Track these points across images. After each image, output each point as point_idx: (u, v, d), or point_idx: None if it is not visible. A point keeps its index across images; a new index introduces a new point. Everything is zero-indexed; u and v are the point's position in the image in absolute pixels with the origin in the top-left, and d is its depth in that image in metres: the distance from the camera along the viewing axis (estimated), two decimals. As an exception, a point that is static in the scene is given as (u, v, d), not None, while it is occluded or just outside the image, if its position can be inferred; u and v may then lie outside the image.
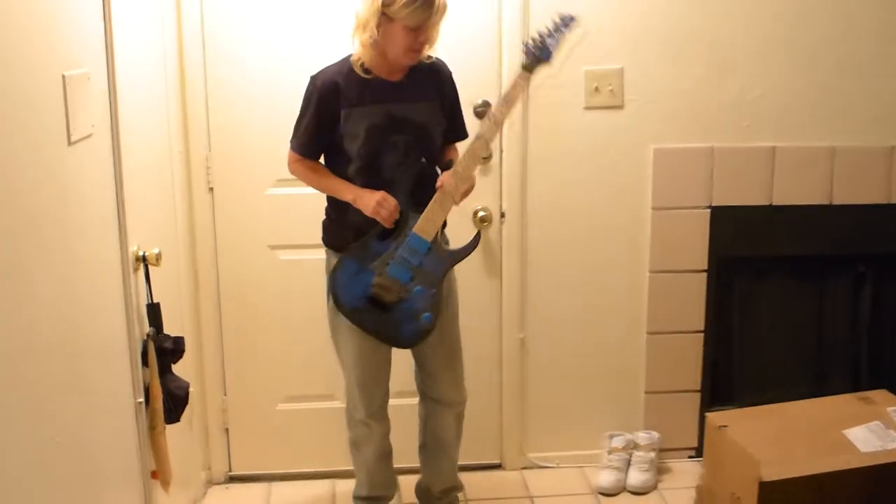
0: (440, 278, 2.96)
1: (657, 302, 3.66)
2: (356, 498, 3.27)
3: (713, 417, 3.13)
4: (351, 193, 2.92)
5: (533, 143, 3.51)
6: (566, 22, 2.87)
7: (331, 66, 2.92)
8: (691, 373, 3.72)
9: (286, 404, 3.67)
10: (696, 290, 3.65)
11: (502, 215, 3.56)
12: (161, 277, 3.17)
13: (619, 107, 3.50)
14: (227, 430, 3.68)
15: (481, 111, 3.45)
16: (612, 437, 3.68)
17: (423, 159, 2.98)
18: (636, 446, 3.64)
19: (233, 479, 3.70)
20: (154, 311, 2.78)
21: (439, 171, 2.97)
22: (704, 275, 3.64)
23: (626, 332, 3.70)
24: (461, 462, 3.57)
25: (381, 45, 2.79)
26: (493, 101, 3.45)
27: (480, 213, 3.52)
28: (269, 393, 3.66)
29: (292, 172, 3.02)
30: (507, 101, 2.90)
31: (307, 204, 3.32)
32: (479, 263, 3.60)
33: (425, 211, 2.92)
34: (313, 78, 2.92)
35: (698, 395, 3.73)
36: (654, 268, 3.63)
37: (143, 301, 2.76)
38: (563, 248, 3.61)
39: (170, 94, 3.27)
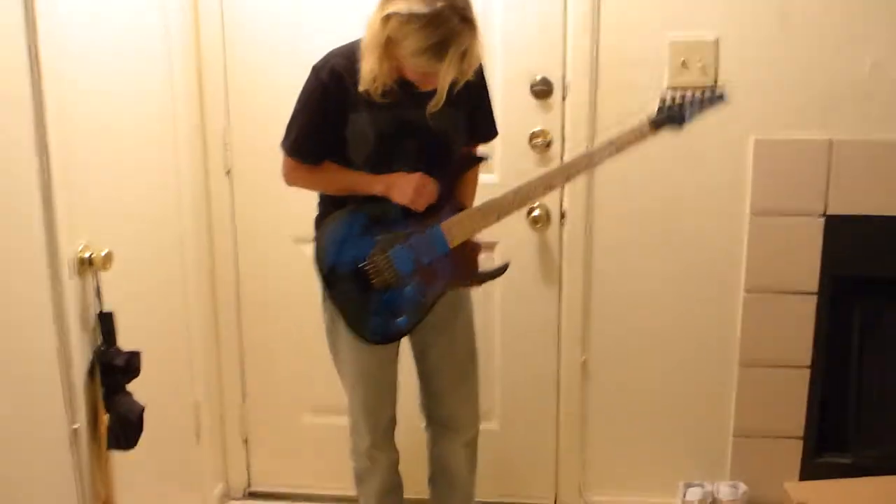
0: (440, 292, 2.46)
1: (753, 327, 2.99)
2: None
3: (793, 489, 2.48)
4: (380, 184, 2.40)
5: (602, 129, 2.88)
6: (714, 98, 2.36)
7: (337, 53, 2.36)
8: (793, 415, 3.03)
9: (312, 416, 3.25)
10: (803, 315, 2.95)
11: (562, 215, 2.98)
12: (164, 272, 2.83)
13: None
14: (246, 440, 3.30)
15: (539, 90, 2.89)
16: (687, 487, 3.05)
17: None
18: (715, 501, 3.01)
19: (252, 496, 3.33)
20: (106, 321, 2.39)
21: None
22: (815, 297, 2.93)
23: (714, 362, 3.05)
24: (506, 499, 3.12)
25: (386, 73, 2.25)
26: (554, 76, 2.89)
27: (535, 212, 2.97)
28: (294, 403, 3.25)
29: (291, 182, 2.51)
30: (616, 146, 2.36)
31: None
32: (533, 270, 3.04)
33: (464, 212, 2.42)
34: (317, 69, 2.37)
35: (801, 442, 3.05)
36: (751, 286, 2.96)
37: (94, 310, 2.38)
38: (637, 255, 2.99)
39: (175, 54, 2.84)
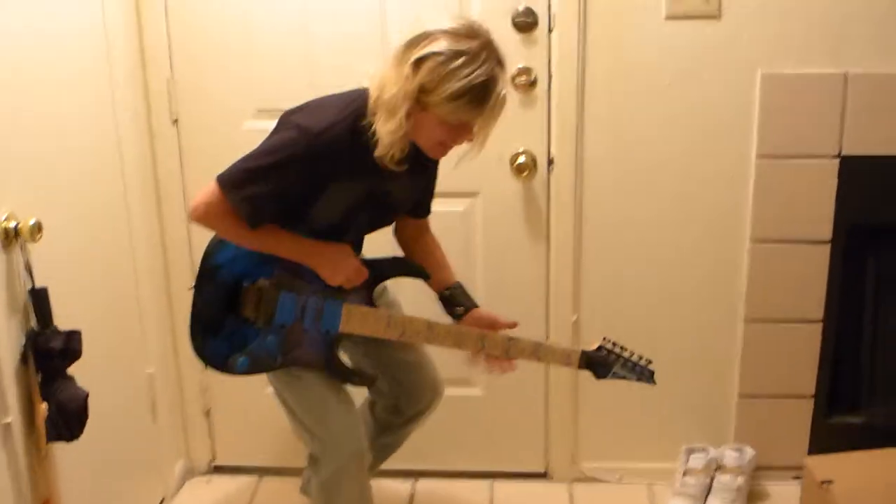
0: (293, 360, 2.22)
1: (761, 280, 2.73)
2: None
3: (815, 465, 2.26)
4: (313, 257, 2.16)
5: (594, 65, 2.60)
6: (644, 375, 2.33)
7: (337, 116, 2.03)
8: (804, 373, 2.80)
9: (278, 387, 2.98)
10: (815, 266, 2.70)
11: (550, 162, 2.69)
12: (106, 238, 2.54)
13: (715, 16, 2.54)
14: (207, 412, 3.03)
15: (522, 23, 2.58)
16: (689, 452, 2.83)
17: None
18: (720, 467, 2.78)
19: (217, 470, 3.08)
20: (39, 299, 2.09)
21: None
22: (828, 247, 2.68)
23: (717, 318, 2.80)
24: (496, 468, 2.96)
25: (408, 133, 2.02)
26: (539, 6, 2.57)
27: (520, 160, 2.67)
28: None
29: (203, 221, 2.10)
30: (539, 353, 2.25)
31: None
32: (518, 223, 2.76)
33: (372, 310, 2.24)
34: (310, 133, 2.01)
35: (811, 401, 2.82)
36: (757, 236, 2.70)
37: (24, 287, 2.07)
38: (632, 205, 2.72)
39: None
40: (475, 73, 1.92)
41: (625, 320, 2.81)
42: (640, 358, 2.29)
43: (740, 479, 2.75)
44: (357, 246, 2.27)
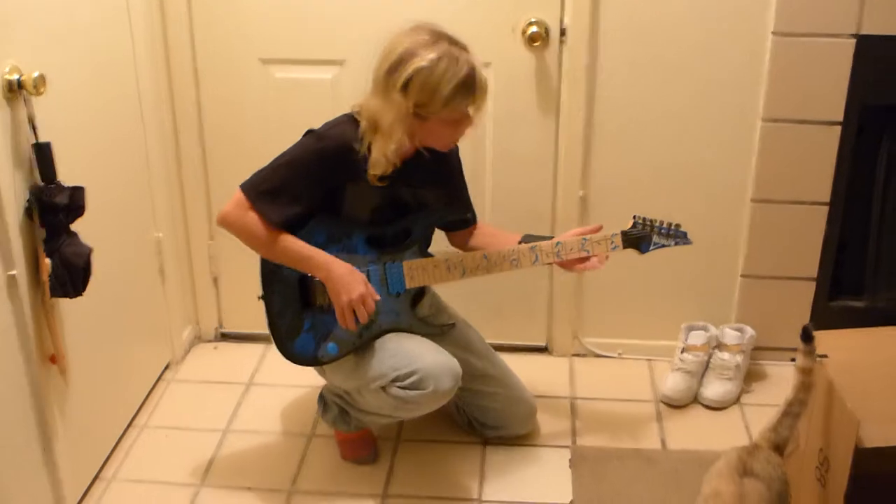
0: (375, 333, 2.33)
1: (770, 160, 2.72)
2: None
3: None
4: (323, 269, 2.25)
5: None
6: (680, 238, 2.40)
7: (340, 127, 2.25)
8: (807, 255, 2.81)
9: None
10: (824, 147, 2.68)
11: (563, 32, 2.64)
12: (114, 96, 2.53)
13: None
14: (215, 279, 3.07)
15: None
16: (689, 329, 2.86)
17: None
18: (720, 345, 2.82)
19: (224, 337, 3.14)
20: (42, 154, 2.09)
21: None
22: (838, 128, 2.65)
23: (723, 197, 2.80)
24: (500, 341, 2.91)
25: (414, 145, 2.24)
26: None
27: (532, 29, 2.64)
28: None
29: (229, 224, 2.27)
30: (584, 248, 2.36)
31: (310, 6, 2.65)
32: (528, 95, 2.73)
33: (430, 259, 2.37)
34: (318, 134, 2.24)
35: (814, 283, 2.84)
36: (768, 114, 2.67)
37: (28, 142, 2.08)
38: (645, 79, 2.68)
39: None
40: (458, 69, 2.10)
41: (632, 197, 2.80)
42: (671, 224, 2.37)
43: (739, 358, 2.79)
44: (421, 249, 2.37)
